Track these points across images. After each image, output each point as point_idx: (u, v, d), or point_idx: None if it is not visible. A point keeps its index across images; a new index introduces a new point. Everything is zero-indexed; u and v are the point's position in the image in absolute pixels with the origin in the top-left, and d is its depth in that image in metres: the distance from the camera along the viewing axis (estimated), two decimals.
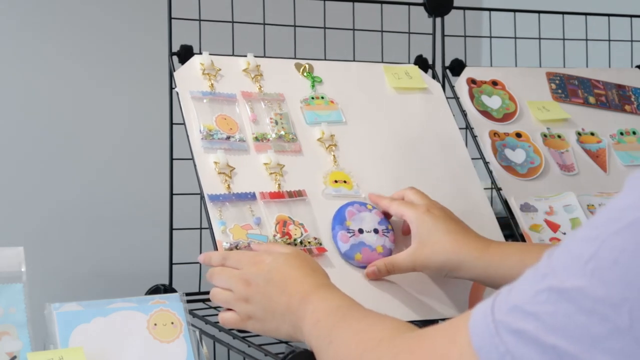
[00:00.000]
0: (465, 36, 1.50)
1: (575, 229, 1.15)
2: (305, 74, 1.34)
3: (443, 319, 1.22)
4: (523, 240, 1.28)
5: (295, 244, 1.14)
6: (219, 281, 1.07)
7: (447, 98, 1.41)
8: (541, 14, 1.55)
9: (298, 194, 1.19)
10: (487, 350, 0.66)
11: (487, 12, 1.59)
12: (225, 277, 1.07)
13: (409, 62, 1.44)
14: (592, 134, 1.47)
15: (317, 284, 1.01)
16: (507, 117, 1.43)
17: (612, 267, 0.62)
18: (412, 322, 1.20)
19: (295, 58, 1.36)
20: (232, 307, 1.06)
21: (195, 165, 1.18)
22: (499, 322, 0.66)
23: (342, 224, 1.17)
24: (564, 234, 1.29)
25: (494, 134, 1.40)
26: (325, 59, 1.38)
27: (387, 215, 1.21)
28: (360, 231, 1.17)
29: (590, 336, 0.61)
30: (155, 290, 1.27)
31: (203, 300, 1.29)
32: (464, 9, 1.48)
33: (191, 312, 1.17)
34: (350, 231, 1.17)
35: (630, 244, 0.61)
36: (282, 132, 1.24)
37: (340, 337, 0.89)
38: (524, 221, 1.30)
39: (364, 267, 1.16)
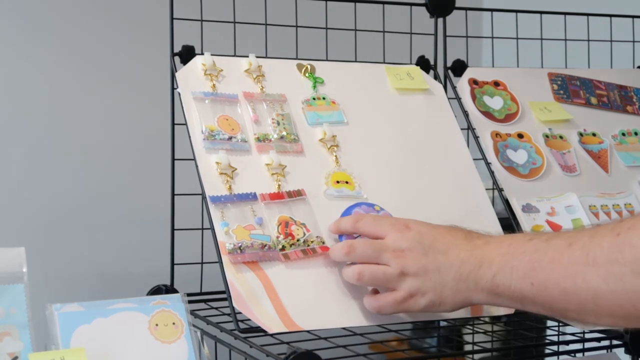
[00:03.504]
0: (467, 37, 1.50)
1: None
2: (307, 74, 1.34)
3: (445, 320, 1.23)
4: None
5: (299, 244, 1.14)
6: (364, 253, 1.06)
7: (448, 99, 1.41)
8: (543, 15, 1.55)
9: (297, 194, 1.19)
10: None
11: (488, 13, 1.59)
12: (371, 249, 1.06)
13: (410, 63, 1.44)
14: (594, 134, 1.47)
15: (467, 235, 1.04)
16: (508, 117, 1.43)
17: None
18: (413, 323, 1.20)
19: (297, 59, 1.36)
20: (391, 284, 1.05)
21: (197, 166, 1.18)
22: None
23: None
24: None
25: (496, 135, 1.40)
26: (327, 60, 1.38)
27: None
28: None
29: None
30: (156, 290, 1.27)
31: (205, 301, 1.29)
32: (466, 9, 1.48)
33: (193, 312, 1.17)
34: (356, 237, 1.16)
35: None
36: (284, 133, 1.24)
37: (544, 273, 0.94)
38: (525, 222, 1.30)
39: None
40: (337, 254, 1.11)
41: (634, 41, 1.62)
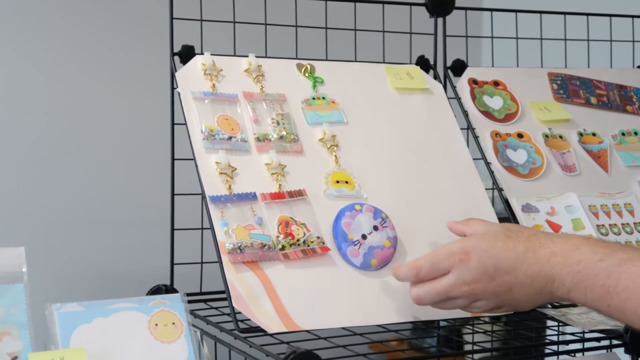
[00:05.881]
0: (466, 36, 1.50)
1: None
2: (306, 74, 1.34)
3: (445, 320, 1.23)
4: None
5: (299, 244, 1.14)
6: (435, 296, 1.07)
7: (448, 98, 1.41)
8: (543, 15, 1.55)
9: (298, 194, 1.19)
10: None
11: (488, 13, 1.59)
12: (441, 291, 1.06)
13: (410, 63, 1.44)
14: (594, 134, 1.47)
15: (527, 248, 1.04)
16: (508, 117, 1.43)
17: None
18: (414, 322, 1.20)
19: (296, 58, 1.36)
20: (467, 309, 1.09)
21: (196, 166, 1.18)
22: None
23: (345, 239, 1.17)
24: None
25: (496, 135, 1.40)
26: (326, 60, 1.38)
27: None
28: (364, 237, 1.17)
29: None
30: (156, 290, 1.27)
31: (204, 301, 1.29)
32: (466, 9, 1.48)
33: (192, 312, 1.17)
34: (356, 243, 1.16)
35: None
36: (284, 133, 1.24)
37: (619, 299, 0.96)
38: (525, 222, 1.30)
39: (382, 268, 1.17)
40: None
41: (633, 41, 1.62)
